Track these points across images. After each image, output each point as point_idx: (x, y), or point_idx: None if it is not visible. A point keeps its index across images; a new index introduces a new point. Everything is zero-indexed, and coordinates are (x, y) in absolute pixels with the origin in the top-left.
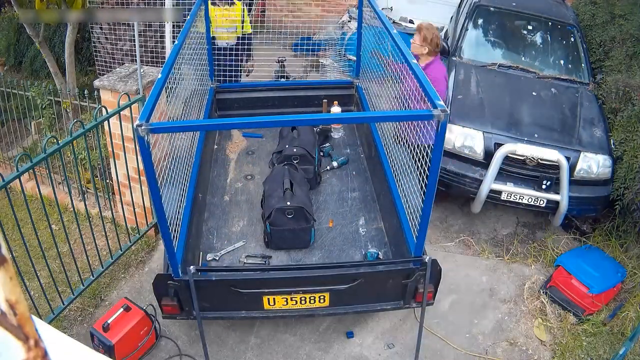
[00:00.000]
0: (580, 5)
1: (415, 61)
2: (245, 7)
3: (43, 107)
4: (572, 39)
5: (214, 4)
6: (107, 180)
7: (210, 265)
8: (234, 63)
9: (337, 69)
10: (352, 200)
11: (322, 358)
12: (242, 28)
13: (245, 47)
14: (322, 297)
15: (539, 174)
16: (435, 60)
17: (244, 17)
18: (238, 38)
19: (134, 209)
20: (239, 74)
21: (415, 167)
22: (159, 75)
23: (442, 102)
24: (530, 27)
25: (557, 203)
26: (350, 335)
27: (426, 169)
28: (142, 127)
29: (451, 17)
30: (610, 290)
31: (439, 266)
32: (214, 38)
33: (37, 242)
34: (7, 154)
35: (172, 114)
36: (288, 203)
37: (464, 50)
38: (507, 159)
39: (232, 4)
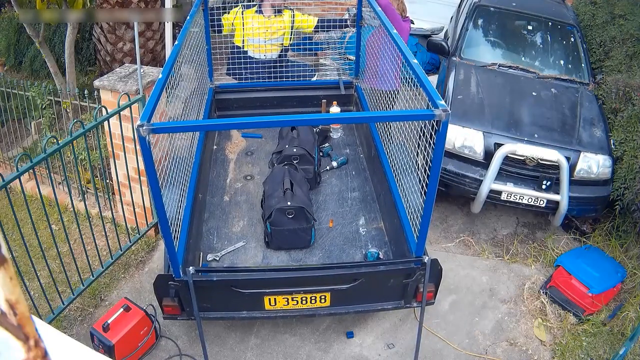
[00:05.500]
0: (580, 5)
1: (415, 61)
2: (293, 16)
3: (43, 107)
4: (572, 39)
5: (259, 12)
6: (107, 180)
7: (211, 266)
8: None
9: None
10: (352, 200)
11: (322, 358)
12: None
13: (284, 62)
14: (323, 297)
15: (539, 174)
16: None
17: (292, 26)
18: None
19: (134, 209)
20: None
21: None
22: (160, 76)
23: (443, 102)
24: (530, 27)
25: (557, 203)
26: (350, 335)
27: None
28: (144, 128)
29: (451, 17)
30: (610, 290)
31: (440, 266)
32: (245, 52)
33: (37, 242)
34: (7, 154)
35: (172, 114)
36: (288, 203)
37: (464, 50)
38: (507, 159)
39: (279, 12)
